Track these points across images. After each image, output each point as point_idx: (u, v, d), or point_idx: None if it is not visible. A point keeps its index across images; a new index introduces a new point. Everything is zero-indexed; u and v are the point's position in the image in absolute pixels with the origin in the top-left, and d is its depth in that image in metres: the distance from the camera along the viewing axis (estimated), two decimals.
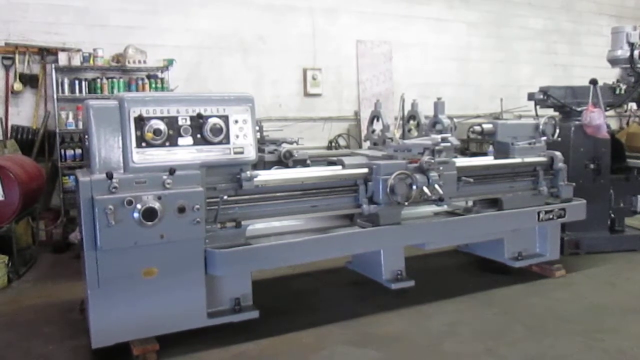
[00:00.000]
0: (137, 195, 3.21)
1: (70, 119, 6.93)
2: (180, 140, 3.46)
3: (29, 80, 6.95)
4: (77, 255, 4.95)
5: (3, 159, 5.74)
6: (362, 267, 4.66)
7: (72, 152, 6.92)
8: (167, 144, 3.42)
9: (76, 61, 6.81)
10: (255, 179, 3.70)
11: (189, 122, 3.47)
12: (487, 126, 5.18)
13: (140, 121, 3.33)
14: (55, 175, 7.08)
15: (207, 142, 3.53)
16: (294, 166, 5.87)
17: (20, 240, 5.72)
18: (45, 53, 6.95)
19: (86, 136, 3.51)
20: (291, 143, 6.16)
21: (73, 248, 6.00)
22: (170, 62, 7.40)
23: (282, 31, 8.79)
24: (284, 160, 5.75)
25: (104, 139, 3.32)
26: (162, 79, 7.38)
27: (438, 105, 5.09)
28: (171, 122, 3.43)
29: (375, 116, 6.57)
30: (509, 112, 10.88)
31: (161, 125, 3.38)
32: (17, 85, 6.86)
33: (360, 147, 9.03)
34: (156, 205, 3.24)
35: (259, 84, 8.52)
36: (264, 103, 8.26)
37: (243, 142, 3.63)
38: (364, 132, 8.06)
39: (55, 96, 6.81)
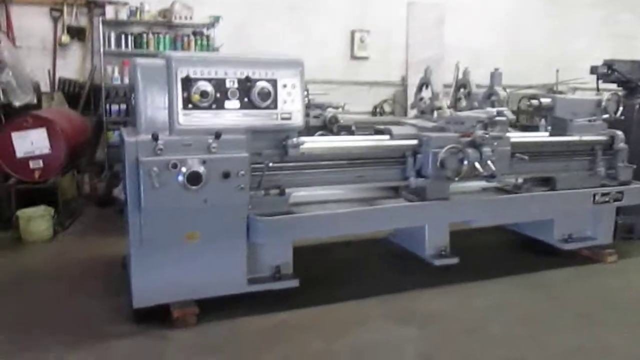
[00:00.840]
0: (182, 158, 3.16)
1: (116, 74, 6.95)
2: (227, 104, 3.36)
3: (77, 33, 6.96)
4: (120, 210, 5.01)
5: (50, 112, 5.80)
6: (405, 240, 4.55)
7: (117, 107, 6.97)
8: (214, 106, 3.33)
9: (123, 15, 6.76)
10: (301, 147, 3.59)
11: (236, 85, 3.37)
12: (545, 100, 4.90)
13: (188, 82, 3.24)
14: (100, 130, 7.16)
15: (254, 107, 3.42)
16: (338, 132, 5.75)
17: (66, 193, 5.82)
18: (93, 6, 6.92)
19: (132, 94, 3.45)
20: (337, 108, 6.02)
21: (117, 202, 6.09)
22: (216, 19, 7.27)
23: None
24: (329, 126, 5.63)
25: (151, 99, 3.25)
26: (207, 36, 7.28)
27: (495, 76, 4.83)
28: (218, 84, 3.33)
29: (424, 83, 6.32)
30: (564, 84, 10.37)
31: (208, 87, 3.28)
32: (65, 38, 6.87)
33: (405, 114, 8.80)
34: (201, 169, 3.18)
35: (306, 45, 8.30)
36: (310, 65, 8.02)
37: (291, 107, 3.51)
38: (410, 99, 7.83)
39: (101, 50, 6.80)
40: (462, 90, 6.07)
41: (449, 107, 6.07)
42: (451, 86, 6.94)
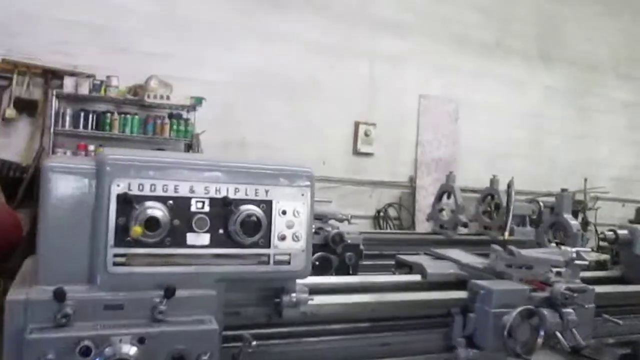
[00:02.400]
0: (103, 334, 1.89)
1: None
2: (191, 238, 2.16)
3: (26, 107, 5.89)
4: None
5: None
6: None
7: None
8: (168, 242, 2.11)
9: (84, 89, 5.72)
10: (302, 306, 2.35)
11: (207, 209, 2.17)
12: (623, 232, 3.79)
13: (127, 203, 2.04)
14: None
15: (233, 243, 2.23)
16: (343, 253, 4.57)
17: None
18: (50, 76, 5.89)
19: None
20: (341, 221, 4.86)
21: None
22: (198, 100, 6.26)
23: (336, 76, 7.66)
24: (332, 246, 4.45)
25: (64, 227, 2.03)
26: (186, 120, 6.25)
27: (563, 199, 3.71)
28: (178, 206, 2.13)
29: (445, 191, 5.28)
30: (583, 192, 9.41)
31: (160, 212, 2.08)
32: (10, 112, 5.79)
33: (413, 222, 7.68)
34: (132, 352, 1.89)
35: (303, 135, 7.33)
36: (306, 158, 7.01)
37: (291, 245, 2.32)
38: (418, 203, 6.73)
39: (52, 129, 5.68)
40: (488, 199, 5.14)
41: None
42: (468, 192, 5.89)
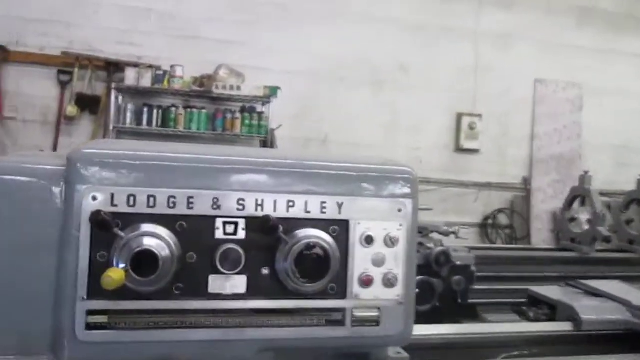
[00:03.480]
0: None
1: None
2: (216, 284, 1.38)
3: (88, 104, 5.45)
4: None
5: None
6: None
7: None
8: (178, 290, 1.34)
9: (147, 81, 5.15)
10: None
11: (241, 235, 1.37)
12: None
13: (104, 228, 1.25)
14: None
15: (285, 292, 1.41)
16: (449, 277, 3.64)
17: None
18: (113, 69, 5.41)
19: None
20: (446, 234, 3.91)
21: None
22: (273, 90, 5.53)
23: (431, 60, 6.68)
24: (435, 268, 3.52)
25: (14, 266, 1.30)
26: (260, 114, 5.54)
27: None
28: (194, 231, 1.36)
29: (578, 196, 4.36)
30: None
31: (158, 242, 1.31)
32: (71, 109, 5.36)
33: (528, 231, 6.53)
34: None
35: (393, 128, 6.43)
36: (397, 155, 6.11)
37: (381, 294, 1.47)
38: (534, 209, 5.62)
39: (111, 127, 5.18)
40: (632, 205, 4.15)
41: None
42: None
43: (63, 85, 5.44)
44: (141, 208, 1.29)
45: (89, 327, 1.26)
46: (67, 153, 1.33)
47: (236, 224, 1.34)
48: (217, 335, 1.32)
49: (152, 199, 1.29)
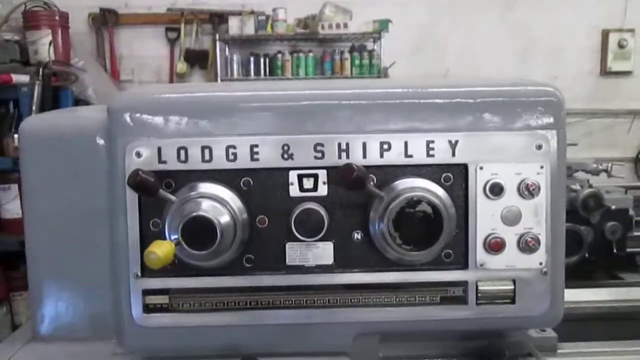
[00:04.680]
0: None
1: None
2: (295, 253, 1.08)
3: (197, 59, 5.40)
4: None
5: None
6: None
7: None
8: (249, 263, 1.06)
9: (250, 28, 4.94)
10: None
11: (323, 190, 1.07)
12: None
13: (148, 191, 1.00)
14: None
15: (385, 262, 1.08)
16: (601, 224, 3.11)
17: None
18: (217, 21, 5.27)
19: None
20: (596, 173, 3.33)
21: None
22: (383, 24, 5.07)
23: None
24: (583, 213, 2.99)
25: (62, 236, 1.12)
26: (371, 52, 5.12)
27: None
28: (261, 189, 1.06)
29: None
30: None
31: (215, 207, 1.02)
32: (181, 66, 5.35)
33: None
34: None
35: (527, 57, 5.66)
36: None
37: (517, 261, 1.08)
38: None
39: (219, 78, 5.10)
40: None
41: None
42: None
43: (171, 42, 5.46)
44: (194, 163, 1.03)
45: (148, 309, 1.06)
46: (108, 104, 1.11)
47: (315, 176, 1.05)
48: (300, 317, 1.06)
49: (207, 151, 1.03)
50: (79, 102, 4.51)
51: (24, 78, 3.88)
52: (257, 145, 1.03)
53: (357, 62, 5.12)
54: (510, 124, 1.05)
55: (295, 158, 1.03)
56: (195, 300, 1.05)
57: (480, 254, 1.05)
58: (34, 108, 3.86)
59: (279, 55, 5.12)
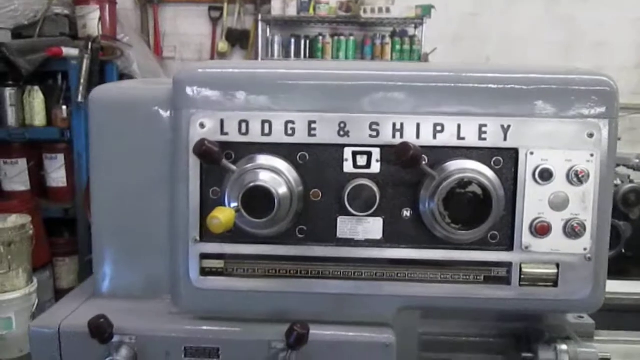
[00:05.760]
0: None
1: None
2: (345, 227, 1.13)
3: (238, 39, 5.45)
4: None
5: None
6: None
7: None
8: (301, 234, 1.11)
9: (292, 9, 4.96)
10: None
11: (376, 168, 1.11)
12: None
13: (212, 160, 1.06)
14: None
15: (432, 240, 1.12)
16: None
17: None
18: (260, 1, 5.31)
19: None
20: (638, 168, 3.27)
21: None
22: (426, 10, 5.02)
23: None
24: (622, 208, 2.96)
25: (125, 200, 1.20)
26: (412, 38, 5.10)
27: None
28: (318, 163, 1.11)
29: None
30: None
31: (274, 177, 1.07)
32: (222, 45, 5.41)
33: None
34: None
35: (570, 48, 5.56)
36: None
37: (561, 246, 1.11)
38: None
39: (260, 59, 5.14)
40: None
41: None
42: None
43: (214, 21, 5.52)
44: (255, 136, 1.09)
45: (204, 272, 1.12)
46: (174, 77, 1.17)
47: (369, 154, 1.09)
48: (347, 288, 1.11)
49: (267, 125, 1.08)
50: (123, 76, 4.61)
51: (74, 52, 4.00)
52: (314, 122, 1.08)
53: (397, 47, 5.09)
54: (563, 112, 1.07)
55: (351, 135, 1.08)
56: (248, 266, 1.12)
57: (526, 237, 1.08)
58: (82, 81, 3.98)
59: (320, 38, 5.13)
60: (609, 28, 5.66)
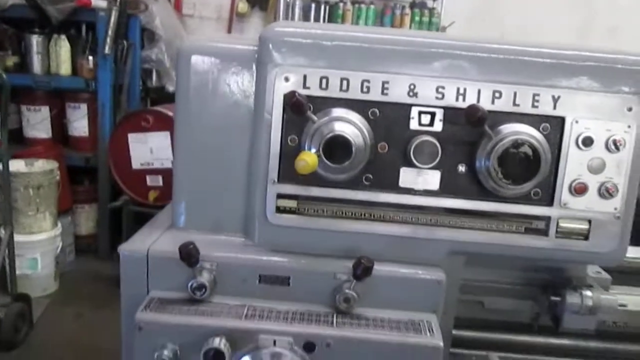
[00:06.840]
0: (250, 329, 1.17)
1: None
2: (407, 177, 1.30)
3: (258, 0, 5.49)
4: None
5: None
6: None
7: None
8: (367, 181, 1.28)
9: None
10: (602, 314, 1.34)
11: (438, 127, 1.27)
12: None
13: (298, 111, 1.21)
14: None
15: (484, 193, 1.29)
16: None
17: None
18: None
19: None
20: None
21: None
22: None
23: None
24: None
25: (207, 145, 1.35)
26: (431, 10, 5.18)
27: None
28: (387, 119, 1.27)
29: None
30: None
31: (352, 129, 1.24)
32: (242, 6, 5.47)
33: None
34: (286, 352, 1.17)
35: (586, 31, 5.65)
36: None
37: (595, 205, 1.28)
38: None
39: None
40: None
41: None
42: None
43: None
44: (334, 92, 1.23)
45: (279, 210, 1.27)
46: (260, 32, 1.30)
47: (433, 114, 1.23)
48: (405, 231, 1.27)
49: (345, 82, 1.23)
50: (144, 31, 4.70)
51: (102, 3, 4.08)
52: (387, 82, 1.22)
53: (417, 18, 5.18)
54: (607, 87, 1.22)
55: (419, 96, 1.22)
56: (318, 207, 1.27)
57: (564, 195, 1.24)
58: (109, 33, 4.07)
59: (341, 4, 5.21)
60: (624, 12, 5.75)
